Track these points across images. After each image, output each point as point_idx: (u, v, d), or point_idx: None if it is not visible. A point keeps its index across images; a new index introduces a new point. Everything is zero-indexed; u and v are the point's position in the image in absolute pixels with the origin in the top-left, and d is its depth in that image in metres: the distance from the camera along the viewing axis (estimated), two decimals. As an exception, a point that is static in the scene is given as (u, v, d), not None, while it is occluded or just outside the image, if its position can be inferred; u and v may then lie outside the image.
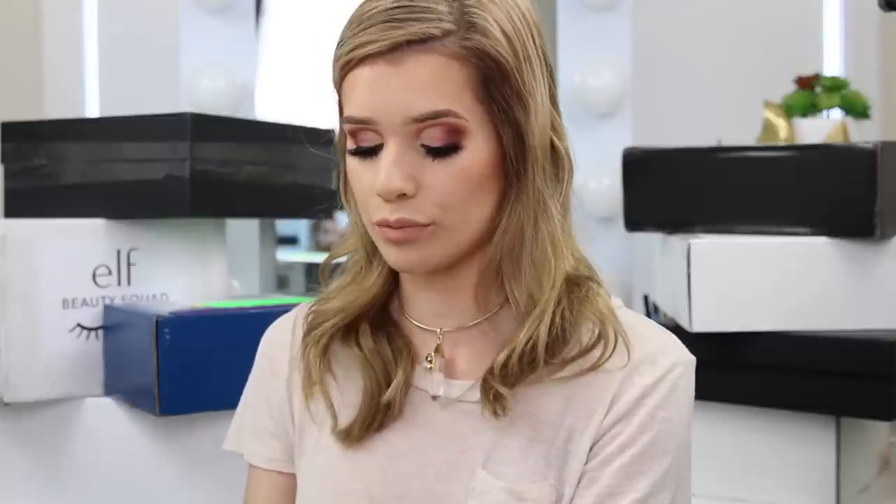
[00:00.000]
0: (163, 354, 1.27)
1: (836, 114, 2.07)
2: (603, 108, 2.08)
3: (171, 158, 1.39)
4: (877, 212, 1.44)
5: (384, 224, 0.80)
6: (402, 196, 0.78)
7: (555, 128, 0.85)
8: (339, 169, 0.88)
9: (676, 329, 1.53)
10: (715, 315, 1.49)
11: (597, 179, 2.05)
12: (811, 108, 2.05)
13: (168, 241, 1.47)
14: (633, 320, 0.86)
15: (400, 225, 0.79)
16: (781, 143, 1.96)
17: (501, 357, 0.81)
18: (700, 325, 1.49)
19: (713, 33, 2.46)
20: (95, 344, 1.40)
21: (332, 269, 0.93)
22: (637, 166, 1.66)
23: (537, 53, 0.82)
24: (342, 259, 0.92)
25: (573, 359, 0.82)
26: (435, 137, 0.78)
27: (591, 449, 0.82)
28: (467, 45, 0.77)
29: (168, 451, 1.36)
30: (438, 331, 0.87)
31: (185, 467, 1.36)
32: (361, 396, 0.87)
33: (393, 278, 0.89)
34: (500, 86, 0.79)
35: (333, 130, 0.88)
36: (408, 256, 0.81)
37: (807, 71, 2.12)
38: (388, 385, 0.86)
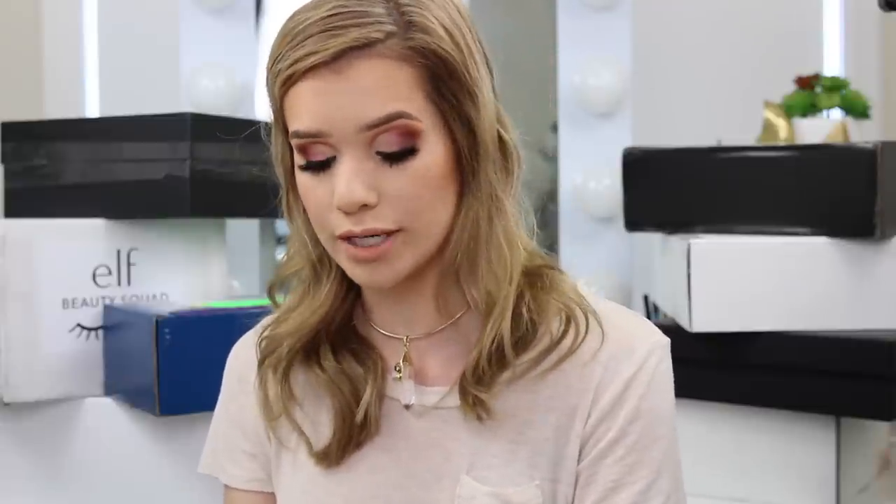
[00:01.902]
0: (163, 354, 1.27)
1: (836, 114, 2.07)
2: (603, 108, 2.07)
3: (171, 158, 1.39)
4: (877, 212, 1.44)
5: (350, 236, 0.77)
6: (364, 207, 0.76)
7: (500, 119, 0.83)
8: (282, 181, 0.85)
9: (676, 329, 1.53)
10: (715, 315, 1.49)
11: (597, 179, 2.05)
12: (811, 108, 2.05)
13: (168, 241, 1.47)
14: (601, 307, 0.85)
15: (367, 234, 0.77)
16: (781, 143, 1.96)
17: (471, 360, 0.81)
18: (700, 325, 1.49)
19: (713, 33, 2.46)
20: (95, 344, 1.40)
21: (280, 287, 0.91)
22: (637, 166, 1.66)
23: (477, 46, 0.81)
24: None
25: (547, 350, 0.81)
26: (390, 143, 0.76)
27: (581, 449, 0.82)
28: (412, 45, 0.76)
29: (168, 451, 1.36)
30: (405, 339, 0.86)
31: (185, 467, 1.36)
32: (333, 417, 0.85)
33: (347, 290, 0.86)
34: (448, 83, 0.77)
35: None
36: (379, 274, 0.79)
37: (807, 71, 2.12)
38: (358, 401, 0.84)
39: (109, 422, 1.38)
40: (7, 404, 1.35)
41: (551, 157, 2.15)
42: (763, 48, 2.44)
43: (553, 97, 2.10)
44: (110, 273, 1.42)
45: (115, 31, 2.49)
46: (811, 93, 2.06)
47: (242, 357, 0.94)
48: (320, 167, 0.78)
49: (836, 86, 2.06)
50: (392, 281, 0.79)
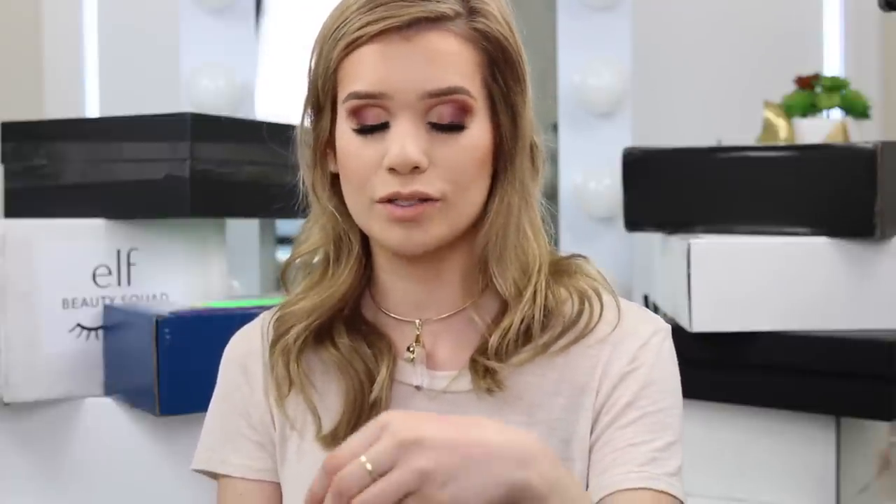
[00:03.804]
0: (163, 354, 1.27)
1: (836, 114, 2.07)
2: (603, 108, 2.07)
3: (171, 158, 1.39)
4: (877, 212, 1.44)
5: (395, 197, 0.79)
6: (415, 170, 0.78)
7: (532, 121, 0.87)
8: (308, 158, 0.87)
9: (676, 329, 1.53)
10: (715, 315, 1.49)
11: (597, 179, 2.05)
12: (811, 108, 2.05)
13: (168, 241, 1.47)
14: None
15: (412, 196, 0.78)
16: (781, 143, 1.96)
17: (495, 339, 0.82)
18: (700, 325, 1.49)
19: (713, 33, 2.46)
20: (95, 344, 1.40)
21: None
22: (637, 166, 1.66)
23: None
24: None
25: (559, 335, 0.84)
26: (444, 115, 0.79)
27: (594, 421, 0.83)
28: (478, 28, 0.80)
29: (168, 451, 1.36)
30: (417, 322, 0.87)
31: (185, 467, 1.35)
32: (343, 398, 0.85)
33: (363, 272, 0.88)
34: (503, 69, 0.81)
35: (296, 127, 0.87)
36: (414, 237, 0.80)
37: (807, 71, 2.12)
38: (370, 383, 0.84)
39: (109, 422, 1.38)
40: (7, 404, 1.35)
41: (551, 157, 2.15)
42: (763, 48, 2.44)
43: (553, 97, 2.10)
44: (110, 273, 1.42)
45: (115, 31, 2.49)
46: (811, 93, 2.06)
47: (243, 348, 0.93)
48: (372, 131, 0.80)
49: (836, 86, 2.06)
50: (424, 247, 0.81)
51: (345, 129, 0.81)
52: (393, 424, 0.63)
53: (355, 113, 0.80)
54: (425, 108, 0.79)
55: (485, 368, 0.82)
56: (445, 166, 0.79)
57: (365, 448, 0.62)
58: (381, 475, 0.61)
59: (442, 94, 0.78)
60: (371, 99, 0.79)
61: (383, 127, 0.80)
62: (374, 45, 0.78)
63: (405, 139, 0.78)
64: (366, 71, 0.79)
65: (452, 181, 0.79)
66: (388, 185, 0.79)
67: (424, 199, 0.79)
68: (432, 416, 0.65)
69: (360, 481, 0.61)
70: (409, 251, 0.82)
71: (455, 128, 0.79)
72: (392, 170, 0.79)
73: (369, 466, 0.61)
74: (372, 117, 0.80)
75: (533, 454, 0.65)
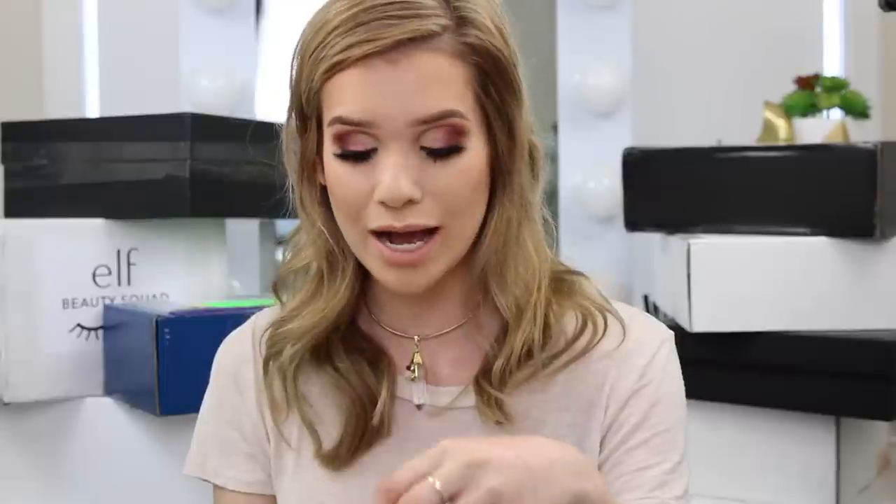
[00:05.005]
0: (163, 354, 1.27)
1: (836, 114, 2.07)
2: (603, 108, 2.07)
3: (171, 158, 1.40)
4: (877, 212, 1.44)
5: (389, 230, 0.75)
6: (408, 202, 0.74)
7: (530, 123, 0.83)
8: (295, 171, 0.82)
9: (676, 329, 1.53)
10: (715, 315, 1.49)
11: (597, 179, 2.05)
12: (811, 108, 2.05)
13: (168, 241, 1.47)
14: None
15: (407, 230, 0.75)
16: (781, 143, 1.96)
17: (498, 365, 0.80)
18: (700, 325, 1.49)
19: (713, 33, 2.46)
20: (95, 344, 1.40)
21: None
22: (637, 166, 1.66)
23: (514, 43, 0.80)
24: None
25: (561, 351, 0.82)
26: (437, 139, 0.74)
27: (603, 438, 0.82)
28: (467, 42, 0.75)
29: (168, 451, 1.36)
30: (416, 339, 0.85)
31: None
32: (344, 416, 0.83)
33: (359, 287, 0.84)
34: (496, 82, 0.77)
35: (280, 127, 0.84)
36: (413, 280, 0.77)
37: (807, 71, 2.11)
38: (371, 402, 0.82)
39: (109, 422, 1.38)
40: (7, 404, 1.35)
41: (551, 157, 2.15)
42: (763, 48, 2.44)
43: (553, 97, 2.10)
44: (110, 273, 1.42)
45: (115, 31, 2.49)
46: (811, 93, 2.05)
47: (234, 353, 0.91)
48: (359, 158, 0.75)
49: (836, 86, 2.05)
50: (425, 287, 0.78)
51: (331, 154, 0.77)
52: (453, 449, 0.62)
53: (341, 139, 0.75)
54: (416, 135, 0.74)
55: (495, 399, 0.80)
56: (440, 195, 0.75)
57: (429, 471, 0.61)
58: (450, 497, 0.61)
59: (433, 119, 0.73)
60: (357, 126, 0.74)
61: (371, 154, 0.75)
62: (357, 69, 0.73)
63: (396, 172, 0.73)
64: (350, 97, 0.74)
65: (448, 210, 0.75)
66: (381, 218, 0.75)
67: (420, 232, 0.75)
68: (488, 439, 0.65)
69: (431, 501, 0.60)
70: (407, 292, 0.79)
71: (451, 151, 0.75)
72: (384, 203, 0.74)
73: (438, 486, 0.60)
74: (358, 143, 0.75)
75: (588, 466, 0.67)
